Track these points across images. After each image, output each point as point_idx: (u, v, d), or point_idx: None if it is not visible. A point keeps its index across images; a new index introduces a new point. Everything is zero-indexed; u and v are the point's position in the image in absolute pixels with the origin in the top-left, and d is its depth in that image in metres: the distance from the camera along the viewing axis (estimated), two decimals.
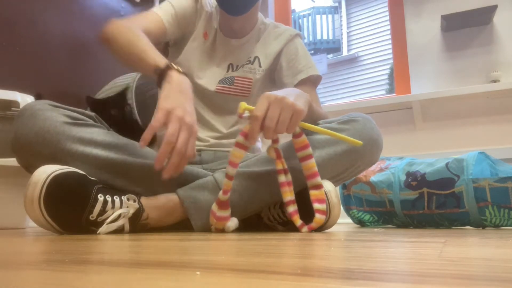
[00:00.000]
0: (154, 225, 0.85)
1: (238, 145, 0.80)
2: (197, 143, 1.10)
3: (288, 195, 0.85)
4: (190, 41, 1.10)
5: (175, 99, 0.79)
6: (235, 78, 1.11)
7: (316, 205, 0.83)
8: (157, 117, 0.76)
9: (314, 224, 0.82)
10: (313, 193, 0.85)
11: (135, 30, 0.95)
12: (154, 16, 1.05)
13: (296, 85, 1.08)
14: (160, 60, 0.87)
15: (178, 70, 0.85)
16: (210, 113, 1.10)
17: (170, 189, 0.89)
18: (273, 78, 1.16)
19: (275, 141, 0.84)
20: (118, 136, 0.90)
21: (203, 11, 1.11)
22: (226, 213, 0.83)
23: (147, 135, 0.75)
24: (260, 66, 1.13)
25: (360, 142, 0.84)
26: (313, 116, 0.93)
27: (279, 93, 0.80)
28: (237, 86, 1.11)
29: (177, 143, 0.76)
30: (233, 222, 0.84)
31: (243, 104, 0.79)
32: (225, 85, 1.10)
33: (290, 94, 0.80)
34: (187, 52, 1.10)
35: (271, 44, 1.15)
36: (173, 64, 0.86)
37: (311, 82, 1.10)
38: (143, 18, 1.04)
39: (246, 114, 0.79)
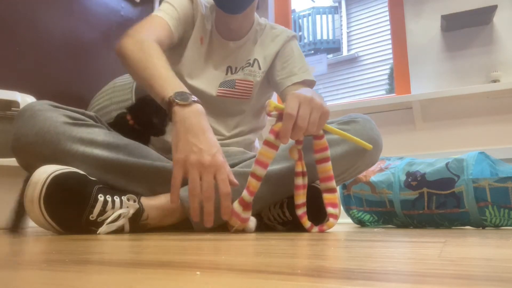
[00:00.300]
0: (154, 225, 0.85)
1: (268, 144, 0.77)
2: None
3: (301, 198, 0.85)
4: (189, 45, 1.08)
5: (185, 144, 0.72)
6: (236, 81, 1.11)
7: (329, 209, 0.83)
8: (174, 174, 0.72)
9: (325, 227, 0.83)
10: (326, 197, 0.85)
11: (149, 47, 0.88)
12: (162, 22, 0.99)
13: (290, 87, 1.09)
14: (166, 91, 0.78)
15: (180, 104, 0.76)
16: (210, 117, 1.09)
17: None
18: (268, 79, 1.16)
19: (299, 142, 0.82)
20: (119, 136, 0.90)
21: (198, 13, 1.09)
22: (249, 214, 0.81)
23: (174, 197, 0.72)
24: (260, 68, 1.13)
25: (371, 146, 0.85)
26: None
27: (306, 93, 0.78)
28: (238, 89, 1.10)
29: (202, 191, 0.71)
30: (252, 222, 0.83)
31: (272, 102, 0.77)
32: (226, 89, 1.10)
33: (315, 95, 0.79)
34: (186, 57, 1.08)
35: (268, 46, 1.15)
36: (177, 93, 0.77)
37: (306, 85, 1.11)
38: (154, 25, 0.98)
39: (275, 113, 0.77)
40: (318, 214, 0.86)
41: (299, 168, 0.84)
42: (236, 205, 0.79)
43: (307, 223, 0.84)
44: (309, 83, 1.12)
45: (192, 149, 0.72)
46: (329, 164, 0.84)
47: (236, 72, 1.12)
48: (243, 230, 0.83)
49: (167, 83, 0.81)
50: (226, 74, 1.12)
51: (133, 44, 0.88)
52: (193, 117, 0.75)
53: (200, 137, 0.73)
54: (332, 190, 0.85)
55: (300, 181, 0.84)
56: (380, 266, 0.31)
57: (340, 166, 0.92)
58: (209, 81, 1.10)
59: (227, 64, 1.12)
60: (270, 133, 0.77)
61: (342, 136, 0.86)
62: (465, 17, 2.02)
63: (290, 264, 0.32)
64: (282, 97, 1.12)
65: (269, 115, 0.77)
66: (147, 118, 1.00)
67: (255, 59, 1.14)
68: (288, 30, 1.20)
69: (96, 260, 0.36)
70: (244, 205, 0.79)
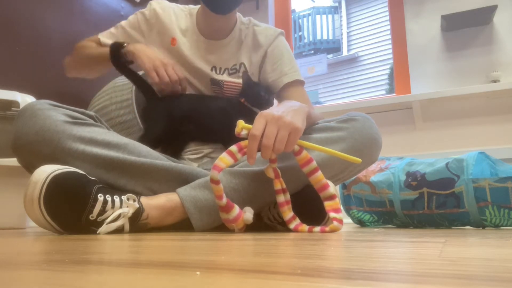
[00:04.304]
0: (154, 225, 0.85)
1: (229, 152, 0.79)
2: (199, 148, 1.12)
3: (288, 213, 0.85)
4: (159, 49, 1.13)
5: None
6: (225, 82, 1.13)
7: (332, 214, 0.83)
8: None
9: (328, 229, 0.82)
10: (328, 204, 0.84)
11: (82, 44, 1.19)
12: (95, 38, 1.21)
13: (283, 88, 1.12)
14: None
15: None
16: None
17: (170, 188, 0.89)
18: (261, 81, 1.17)
19: (273, 161, 0.83)
20: (118, 135, 0.90)
21: (161, 20, 1.14)
22: (235, 212, 0.82)
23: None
24: (246, 71, 1.16)
25: (359, 160, 0.84)
26: (311, 123, 0.94)
27: (276, 111, 0.79)
28: (226, 90, 1.13)
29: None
30: (248, 212, 0.83)
31: (241, 123, 0.78)
32: (217, 87, 1.13)
33: (287, 112, 0.80)
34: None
35: (254, 49, 1.17)
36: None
37: (296, 85, 1.14)
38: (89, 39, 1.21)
39: (244, 132, 0.79)
40: (318, 214, 0.86)
41: (278, 186, 0.85)
42: (220, 213, 0.83)
43: (305, 229, 0.84)
44: (300, 83, 1.15)
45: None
46: (319, 174, 0.84)
47: (221, 73, 1.14)
48: (245, 225, 0.84)
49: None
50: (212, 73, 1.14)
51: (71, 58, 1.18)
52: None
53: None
54: (331, 197, 0.84)
55: (282, 198, 0.85)
56: (380, 266, 0.31)
57: (339, 164, 0.92)
58: (199, 79, 1.12)
59: (212, 64, 1.14)
60: (234, 145, 0.79)
61: (327, 153, 0.86)
62: (465, 17, 2.02)
63: (290, 264, 0.32)
64: (279, 99, 1.15)
65: (238, 135, 0.79)
66: (255, 93, 1.03)
67: (241, 63, 1.16)
68: (273, 28, 1.21)
69: (96, 260, 0.36)
70: (222, 209, 0.82)
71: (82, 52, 1.16)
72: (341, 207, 0.87)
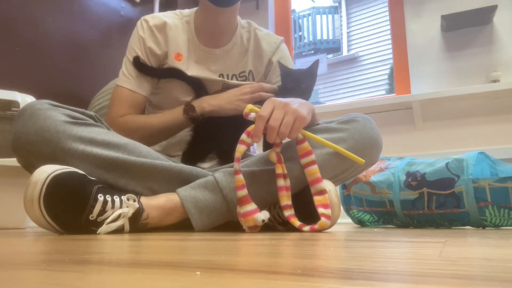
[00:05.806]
0: (154, 225, 0.85)
1: (241, 142, 0.84)
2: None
3: (285, 199, 0.86)
4: (170, 64, 1.10)
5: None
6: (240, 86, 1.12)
7: (321, 210, 0.83)
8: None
9: (317, 227, 0.82)
10: (317, 199, 0.85)
11: (134, 124, 1.06)
12: (123, 93, 1.09)
13: None
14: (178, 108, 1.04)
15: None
16: None
17: (170, 188, 0.89)
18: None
19: (277, 145, 0.86)
20: (118, 135, 0.90)
21: (161, 37, 1.11)
22: (249, 207, 0.83)
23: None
24: (253, 79, 1.17)
25: (363, 160, 0.87)
26: (314, 121, 0.95)
27: (284, 99, 0.83)
28: None
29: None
30: (262, 214, 0.83)
31: (250, 106, 0.83)
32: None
33: (294, 102, 0.83)
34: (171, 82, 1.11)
35: (258, 55, 1.17)
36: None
37: None
38: (119, 104, 1.08)
39: (252, 115, 0.83)
40: (310, 218, 0.85)
41: (280, 170, 0.87)
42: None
43: (296, 223, 0.84)
44: None
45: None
46: (315, 167, 0.86)
47: (230, 80, 1.14)
48: (256, 226, 0.83)
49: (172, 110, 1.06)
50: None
51: (120, 131, 0.95)
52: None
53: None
54: (321, 192, 0.85)
55: (282, 182, 0.86)
56: (380, 266, 0.31)
57: (340, 165, 0.92)
58: (211, 88, 1.12)
59: (219, 72, 1.14)
60: (244, 133, 0.84)
61: (332, 148, 0.88)
62: (465, 17, 2.02)
63: (290, 264, 0.32)
64: None
65: (246, 117, 0.83)
66: (292, 82, 1.03)
67: (250, 71, 1.17)
68: (275, 35, 1.23)
69: (96, 260, 0.36)
70: (238, 201, 0.83)
71: (144, 132, 1.05)
72: (341, 207, 0.87)
